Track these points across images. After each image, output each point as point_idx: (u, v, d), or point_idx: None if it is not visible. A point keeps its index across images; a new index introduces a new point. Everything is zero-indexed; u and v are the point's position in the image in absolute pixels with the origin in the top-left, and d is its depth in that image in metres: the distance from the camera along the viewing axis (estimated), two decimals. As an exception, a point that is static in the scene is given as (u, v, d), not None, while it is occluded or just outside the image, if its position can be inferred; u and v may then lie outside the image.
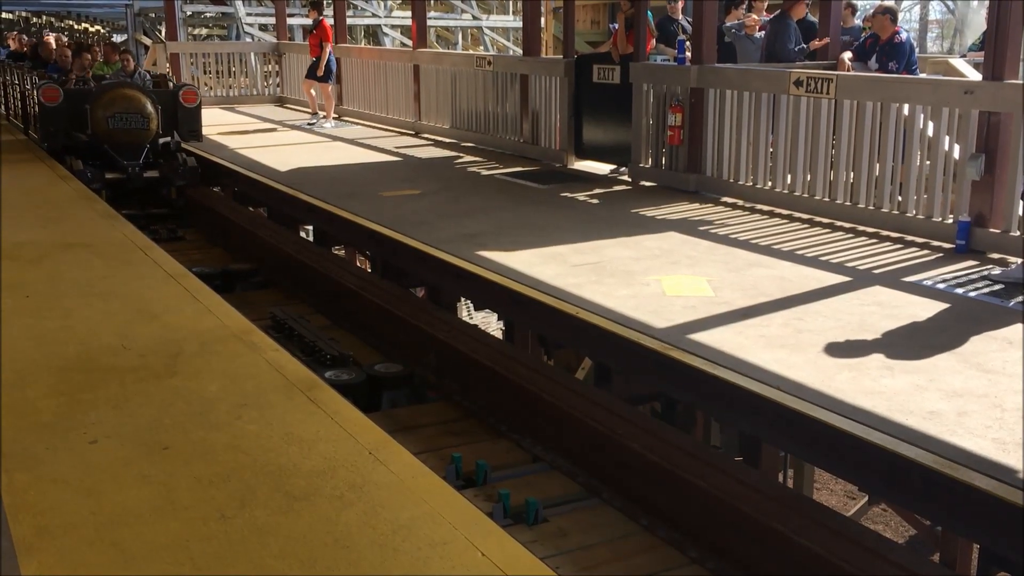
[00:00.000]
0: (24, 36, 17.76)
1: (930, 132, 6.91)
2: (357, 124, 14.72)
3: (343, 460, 3.26)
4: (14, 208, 7.50)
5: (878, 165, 7.25)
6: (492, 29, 28.50)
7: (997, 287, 5.67)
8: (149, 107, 9.98)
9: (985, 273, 5.94)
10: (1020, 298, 5.46)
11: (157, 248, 6.36)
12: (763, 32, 10.13)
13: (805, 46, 9.26)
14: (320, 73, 14.36)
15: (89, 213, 7.51)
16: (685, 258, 6.40)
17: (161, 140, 10.27)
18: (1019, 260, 5.99)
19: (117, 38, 27.73)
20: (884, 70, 8.15)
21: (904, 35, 8.50)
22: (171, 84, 11.66)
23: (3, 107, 15.08)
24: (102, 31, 31.25)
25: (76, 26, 31.89)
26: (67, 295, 5.28)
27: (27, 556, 2.65)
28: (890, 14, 8.51)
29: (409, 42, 19.13)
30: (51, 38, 16.09)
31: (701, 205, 8.24)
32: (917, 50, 9.25)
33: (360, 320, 6.83)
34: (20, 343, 4.46)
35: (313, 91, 14.84)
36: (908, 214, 7.02)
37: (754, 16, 10.48)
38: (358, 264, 10.25)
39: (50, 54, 13.22)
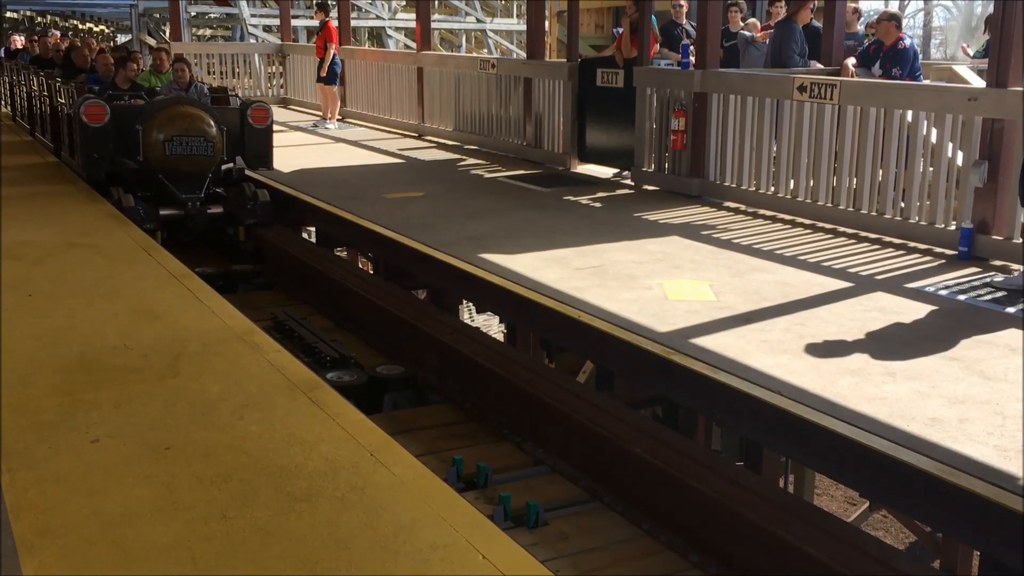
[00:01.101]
0: (48, 39, 14.86)
1: (933, 138, 6.91)
2: (361, 126, 14.73)
3: (345, 461, 3.27)
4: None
5: (881, 171, 7.25)
6: (496, 32, 28.51)
7: (1000, 294, 5.67)
8: (213, 128, 8.28)
9: (988, 280, 5.94)
10: (1022, 305, 5.45)
11: (160, 249, 6.37)
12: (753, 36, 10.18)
13: (809, 61, 9.25)
14: (323, 74, 14.38)
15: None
16: (687, 262, 6.40)
17: (223, 167, 8.66)
18: (1022, 267, 5.98)
19: (121, 38, 27.76)
20: (888, 76, 8.15)
21: (908, 41, 8.49)
22: (237, 99, 9.72)
23: (23, 117, 13.27)
24: (106, 31, 31.29)
25: (80, 26, 31.93)
26: (70, 295, 5.29)
27: (28, 555, 2.65)
28: (895, 20, 8.50)
29: (413, 44, 19.17)
30: (88, 42, 14.43)
31: (704, 209, 8.24)
32: (920, 56, 9.24)
33: (362, 322, 6.83)
34: (23, 342, 4.47)
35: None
36: (911, 220, 7.02)
37: (756, 23, 10.49)
38: (360, 266, 10.25)
39: (84, 60, 11.34)
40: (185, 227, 8.26)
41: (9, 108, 14.92)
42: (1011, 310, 5.37)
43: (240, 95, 10.26)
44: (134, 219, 7.35)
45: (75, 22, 32.30)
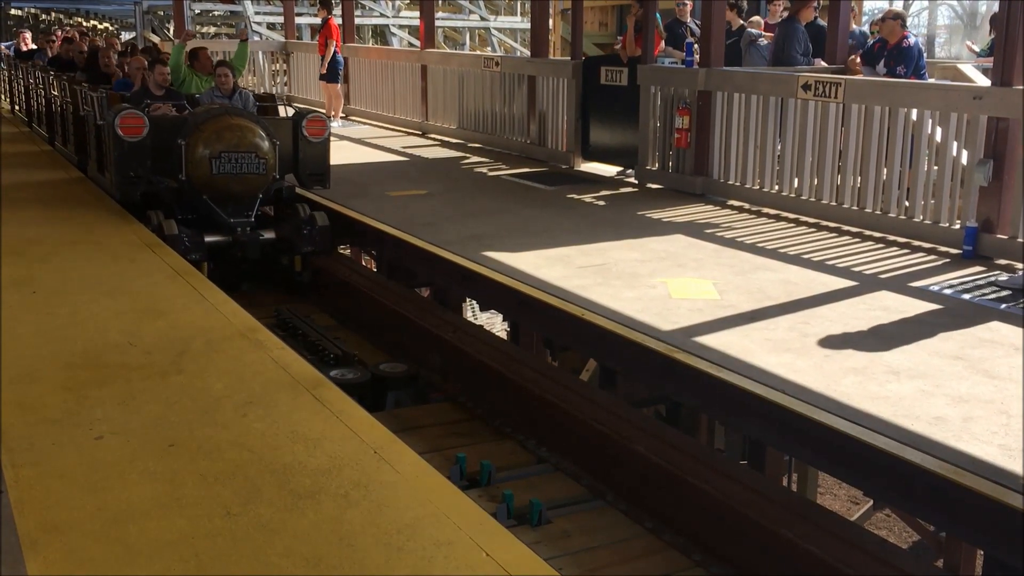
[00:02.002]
0: (66, 39, 13.13)
1: (938, 137, 6.90)
2: (364, 124, 14.74)
3: (348, 459, 3.27)
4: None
5: (885, 169, 7.24)
6: (500, 30, 28.51)
7: (1004, 293, 5.66)
8: (265, 143, 7.29)
9: (992, 279, 5.93)
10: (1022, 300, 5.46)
11: (164, 246, 6.37)
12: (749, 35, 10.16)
13: (813, 60, 9.23)
14: (322, 71, 14.38)
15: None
16: (691, 261, 6.39)
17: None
18: (1008, 264, 5.99)
19: (125, 36, 27.79)
20: (892, 75, 8.14)
21: (912, 39, 8.48)
22: (286, 109, 8.64)
23: (40, 123, 12.29)
24: (110, 28, 31.32)
25: (84, 23, 31.96)
26: (74, 292, 5.30)
27: (33, 551, 2.66)
28: (900, 19, 8.49)
29: (417, 42, 19.17)
30: (112, 42, 12.99)
31: (707, 208, 8.23)
32: (925, 55, 9.22)
33: (365, 320, 6.83)
34: (27, 339, 4.48)
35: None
36: (915, 219, 7.01)
37: (760, 20, 10.47)
38: (363, 264, 10.25)
39: (111, 63, 10.21)
40: (233, 256, 7.25)
41: (24, 114, 13.83)
42: (1016, 309, 5.36)
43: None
44: (177, 248, 6.53)
45: (79, 19, 32.33)
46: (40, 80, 11.71)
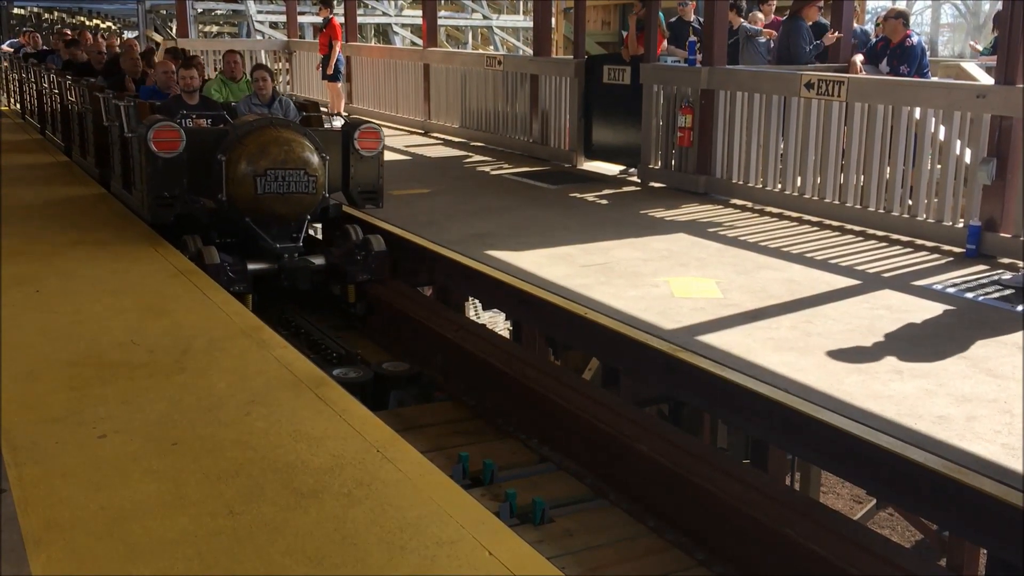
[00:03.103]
0: (71, 41, 12.15)
1: (941, 136, 6.89)
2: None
3: (351, 457, 3.27)
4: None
5: (888, 168, 7.23)
6: (502, 29, 28.51)
7: (1007, 292, 5.66)
8: (315, 158, 6.56)
9: (996, 278, 5.92)
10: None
11: (167, 244, 6.37)
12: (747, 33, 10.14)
13: (820, 41, 9.22)
14: (329, 71, 14.38)
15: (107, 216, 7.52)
16: (694, 260, 6.39)
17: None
18: (1011, 263, 5.98)
19: (127, 35, 27.79)
20: (896, 74, 8.13)
21: (916, 38, 8.47)
22: (330, 118, 7.81)
23: (54, 130, 11.34)
24: (113, 27, 31.34)
25: (87, 22, 31.98)
26: (77, 291, 5.30)
27: (36, 550, 2.66)
28: (902, 18, 8.48)
29: (419, 41, 19.16)
30: (131, 43, 11.82)
31: (710, 207, 8.23)
32: (928, 53, 9.21)
33: (367, 319, 6.82)
34: (30, 338, 4.48)
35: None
36: (918, 218, 7.00)
37: (760, 16, 10.45)
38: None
39: (136, 67, 9.19)
40: (279, 286, 6.55)
41: (36, 119, 12.91)
42: (1019, 308, 5.35)
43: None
44: (219, 279, 5.79)
45: (82, 18, 32.35)
46: (55, 84, 10.86)
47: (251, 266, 6.34)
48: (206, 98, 7.69)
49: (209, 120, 7.28)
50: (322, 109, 7.63)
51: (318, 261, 6.62)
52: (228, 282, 5.99)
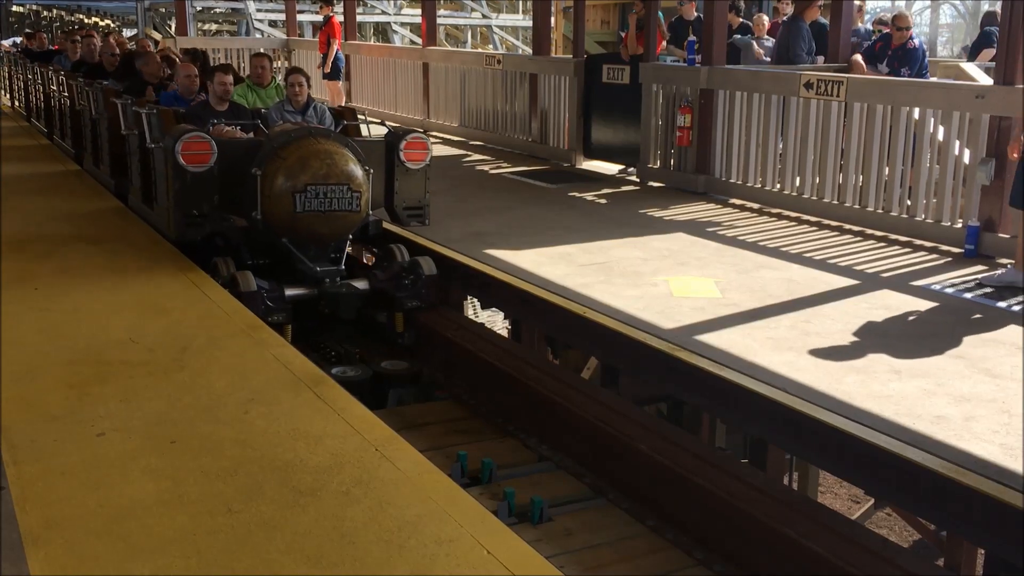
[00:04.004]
0: (93, 41, 11.10)
1: (940, 136, 6.89)
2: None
3: (350, 456, 3.27)
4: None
5: (887, 168, 7.23)
6: (502, 28, 28.52)
7: (987, 289, 5.67)
8: (359, 172, 5.93)
9: (980, 279, 5.92)
10: (1021, 298, 5.45)
11: (166, 243, 6.37)
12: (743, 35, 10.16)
13: (814, 59, 9.25)
14: (327, 70, 14.37)
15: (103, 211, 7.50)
16: (693, 259, 6.39)
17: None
18: (1009, 264, 5.98)
19: (127, 33, 27.77)
20: (895, 75, 8.14)
21: (917, 41, 8.49)
22: (368, 127, 7.26)
23: (63, 135, 10.74)
24: (112, 26, 31.32)
25: (86, 20, 31.96)
26: (76, 289, 5.30)
27: (34, 548, 2.66)
28: (907, 29, 8.50)
29: (418, 40, 19.16)
30: (144, 43, 11.13)
31: (709, 206, 8.23)
32: (928, 54, 9.22)
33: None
34: (29, 336, 4.48)
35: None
36: (917, 218, 7.00)
37: (765, 18, 10.45)
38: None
39: (156, 71, 8.44)
40: (319, 313, 5.96)
41: (44, 124, 12.33)
42: (1016, 308, 5.35)
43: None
44: (254, 307, 5.23)
45: (81, 16, 32.33)
46: (64, 86, 10.24)
47: (288, 291, 5.77)
48: (236, 105, 7.05)
49: (238, 128, 6.67)
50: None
51: (361, 285, 6.00)
52: (266, 311, 5.45)
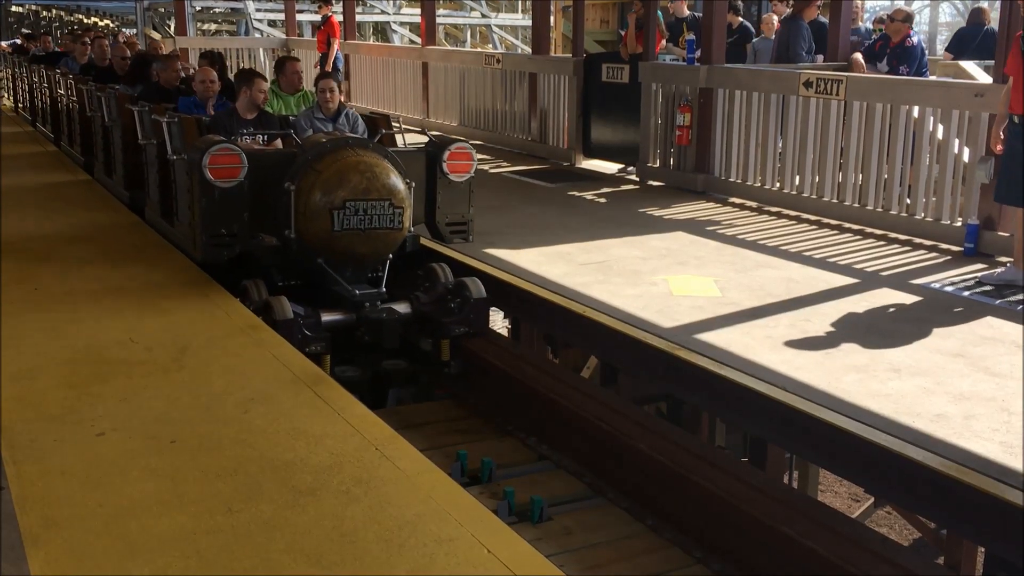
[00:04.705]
0: (103, 43, 10.80)
1: (939, 134, 6.89)
2: (365, 121, 14.70)
3: (349, 455, 3.27)
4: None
5: (887, 167, 7.23)
6: (501, 27, 28.52)
7: (987, 288, 5.67)
8: (401, 186, 5.50)
9: (979, 278, 5.92)
10: (1021, 296, 5.46)
11: (166, 244, 6.37)
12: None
13: (814, 58, 9.25)
14: (328, 70, 14.37)
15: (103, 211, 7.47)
16: (692, 258, 6.39)
17: None
18: (1008, 262, 5.98)
19: (126, 32, 27.78)
20: (895, 73, 8.14)
21: (916, 38, 8.49)
22: (403, 136, 6.69)
23: (69, 141, 10.38)
24: (111, 26, 31.32)
25: (85, 20, 31.96)
26: (76, 289, 5.30)
27: (34, 548, 2.66)
28: (908, 22, 8.50)
29: (418, 39, 19.15)
30: (155, 45, 10.87)
31: (709, 205, 8.23)
32: (927, 53, 9.22)
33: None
34: (29, 336, 4.48)
35: None
36: (917, 216, 7.00)
37: (775, 18, 10.45)
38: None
39: (175, 77, 7.97)
40: (359, 340, 5.38)
41: (50, 129, 11.87)
42: (1017, 307, 5.35)
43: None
44: (291, 337, 4.76)
45: (80, 16, 32.34)
46: (72, 91, 9.80)
47: (324, 317, 5.25)
48: (265, 113, 6.52)
49: (265, 139, 6.25)
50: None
51: (402, 309, 5.44)
52: (303, 341, 4.96)
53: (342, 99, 6.66)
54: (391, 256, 5.62)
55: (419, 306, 5.53)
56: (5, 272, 5.55)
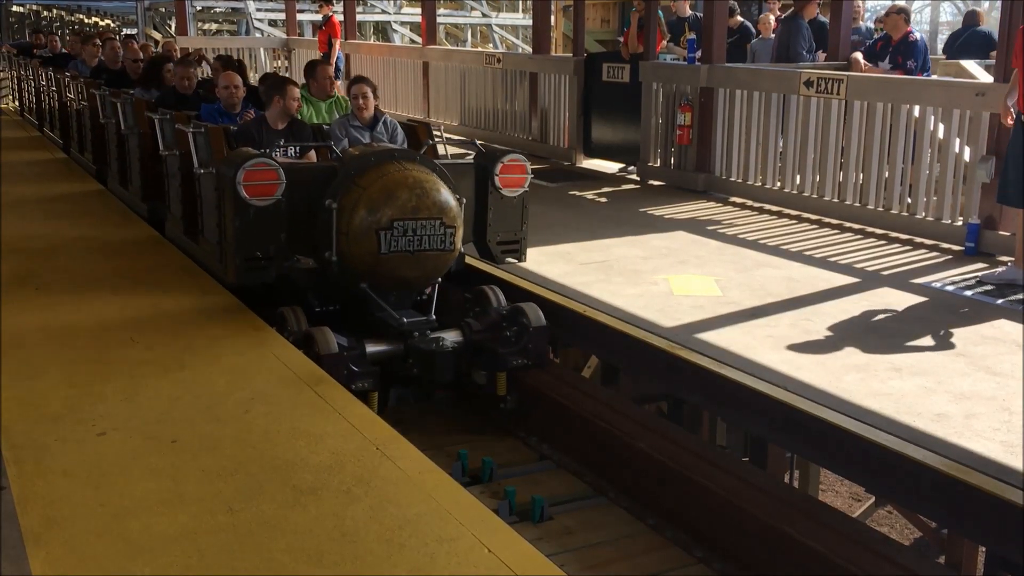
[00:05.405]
0: (115, 45, 10.40)
1: (940, 134, 6.89)
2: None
3: (350, 455, 3.27)
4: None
5: (888, 166, 7.23)
6: (501, 27, 28.50)
7: (988, 287, 5.67)
8: (452, 203, 4.97)
9: (980, 276, 5.92)
10: (1021, 296, 5.46)
11: (167, 243, 6.36)
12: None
13: (815, 57, 9.25)
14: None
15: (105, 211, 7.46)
16: (693, 257, 6.39)
17: None
18: (1009, 261, 5.98)
19: (126, 32, 27.77)
20: (901, 69, 8.12)
21: (918, 34, 8.49)
22: (445, 146, 6.16)
23: (80, 149, 9.86)
24: (112, 25, 31.33)
25: (86, 20, 31.97)
26: (78, 288, 5.30)
27: (35, 547, 2.66)
28: (904, 14, 8.48)
29: (418, 39, 19.15)
30: (171, 46, 10.41)
31: (709, 205, 8.23)
32: (929, 51, 9.22)
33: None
34: (30, 335, 4.48)
35: None
36: (917, 216, 7.00)
37: (772, 18, 10.45)
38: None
39: (192, 83, 7.54)
40: (408, 374, 4.92)
41: (59, 135, 11.36)
42: (1017, 305, 5.35)
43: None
44: (336, 373, 4.29)
45: (81, 16, 32.34)
46: (83, 95, 9.30)
47: (369, 348, 4.76)
48: (297, 121, 6.01)
49: (297, 150, 5.74)
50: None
51: (453, 338, 4.94)
52: (349, 377, 4.48)
53: (377, 105, 6.16)
54: (439, 279, 5.18)
55: (471, 335, 5.03)
56: (7, 274, 5.56)
